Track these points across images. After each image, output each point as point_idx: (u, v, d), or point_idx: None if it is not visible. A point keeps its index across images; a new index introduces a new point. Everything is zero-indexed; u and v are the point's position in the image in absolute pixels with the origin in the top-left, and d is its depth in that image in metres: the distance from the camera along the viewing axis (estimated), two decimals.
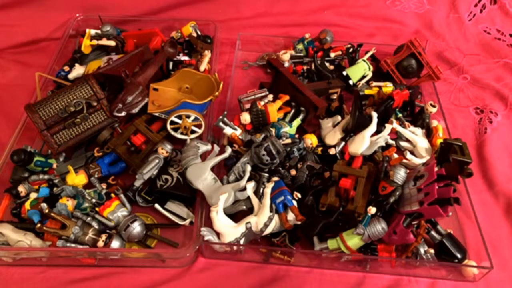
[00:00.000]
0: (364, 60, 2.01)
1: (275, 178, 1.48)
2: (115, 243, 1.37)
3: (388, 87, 1.80)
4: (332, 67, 2.06)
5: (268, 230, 1.37)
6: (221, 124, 1.63)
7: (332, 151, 1.62)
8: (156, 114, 1.64)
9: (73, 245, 1.35)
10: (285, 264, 1.43)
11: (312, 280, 1.41)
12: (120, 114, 1.60)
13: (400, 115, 1.80)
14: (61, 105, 1.56)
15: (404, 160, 1.60)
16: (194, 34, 2.10)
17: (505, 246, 1.53)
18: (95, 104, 1.59)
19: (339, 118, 1.76)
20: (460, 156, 1.46)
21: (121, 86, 1.64)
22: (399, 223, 1.34)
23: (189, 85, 1.75)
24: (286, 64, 2.05)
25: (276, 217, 1.39)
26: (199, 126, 1.65)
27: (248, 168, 1.48)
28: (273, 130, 1.63)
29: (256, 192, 1.48)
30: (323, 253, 1.39)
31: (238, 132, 1.64)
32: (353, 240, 1.35)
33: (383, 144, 1.58)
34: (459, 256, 1.40)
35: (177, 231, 1.51)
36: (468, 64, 2.25)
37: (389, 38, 2.38)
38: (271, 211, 1.38)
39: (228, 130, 1.64)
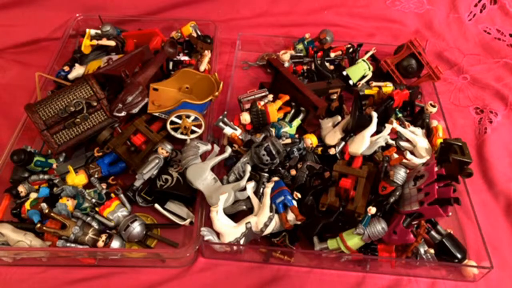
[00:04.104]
0: (364, 60, 2.01)
1: (275, 178, 1.48)
2: (115, 243, 1.37)
3: (388, 87, 1.80)
4: (332, 67, 2.06)
5: (268, 230, 1.37)
6: (221, 124, 1.63)
7: (332, 151, 1.62)
8: (156, 114, 1.64)
9: (73, 245, 1.35)
10: (285, 264, 1.43)
11: (312, 280, 1.41)
12: (120, 114, 1.60)
13: (400, 115, 1.80)
14: (61, 105, 1.56)
15: (404, 160, 1.60)
16: (194, 34, 2.10)
17: (505, 246, 1.53)
18: (95, 104, 1.59)
19: (339, 118, 1.76)
20: (460, 156, 1.46)
21: (121, 86, 1.64)
22: (399, 223, 1.34)
23: (189, 85, 1.75)
24: (286, 64, 2.05)
25: (276, 217, 1.39)
26: (199, 126, 1.65)
27: (248, 168, 1.48)
28: (273, 130, 1.63)
29: (256, 192, 1.48)
30: (323, 253, 1.39)
31: (238, 132, 1.64)
32: (353, 240, 1.35)
33: (383, 144, 1.58)
34: (459, 256, 1.40)
35: (177, 231, 1.51)
36: (468, 64, 2.25)
37: (389, 38, 2.38)
38: (271, 211, 1.38)
39: (228, 130, 1.63)
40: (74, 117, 1.58)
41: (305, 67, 2.06)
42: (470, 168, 1.48)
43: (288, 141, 1.59)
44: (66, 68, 1.94)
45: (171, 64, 1.93)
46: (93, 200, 1.46)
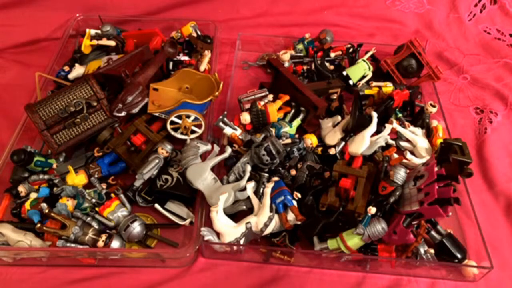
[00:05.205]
0: (364, 60, 2.01)
1: (275, 178, 1.48)
2: (115, 243, 1.37)
3: (388, 87, 1.80)
4: (332, 67, 2.06)
5: (268, 230, 1.37)
6: (221, 124, 1.63)
7: (332, 151, 1.62)
8: (156, 114, 1.64)
9: (73, 245, 1.35)
10: (285, 264, 1.43)
11: (312, 280, 1.41)
12: (120, 114, 1.60)
13: (400, 115, 1.80)
14: (61, 105, 1.56)
15: (404, 160, 1.60)
16: (194, 34, 2.10)
17: (505, 246, 1.53)
18: (95, 104, 1.59)
19: (339, 118, 1.76)
20: (460, 156, 1.46)
21: (121, 86, 1.64)
22: (399, 223, 1.34)
23: (189, 85, 1.75)
24: (286, 64, 2.05)
25: (276, 217, 1.39)
26: (199, 126, 1.65)
27: (248, 168, 1.48)
28: (273, 130, 1.63)
29: (256, 192, 1.48)
30: (323, 253, 1.39)
31: (238, 132, 1.64)
32: (353, 240, 1.35)
33: (383, 144, 1.58)
34: (459, 256, 1.40)
35: (177, 231, 1.51)
36: (468, 64, 2.25)
37: (389, 38, 2.38)
38: (271, 211, 1.38)
39: (228, 130, 1.63)
40: (74, 117, 1.58)
41: (305, 67, 2.06)
42: (470, 168, 1.48)
43: (288, 141, 1.59)
44: (66, 68, 1.94)
45: (171, 64, 1.93)
46: (93, 200, 1.46)
